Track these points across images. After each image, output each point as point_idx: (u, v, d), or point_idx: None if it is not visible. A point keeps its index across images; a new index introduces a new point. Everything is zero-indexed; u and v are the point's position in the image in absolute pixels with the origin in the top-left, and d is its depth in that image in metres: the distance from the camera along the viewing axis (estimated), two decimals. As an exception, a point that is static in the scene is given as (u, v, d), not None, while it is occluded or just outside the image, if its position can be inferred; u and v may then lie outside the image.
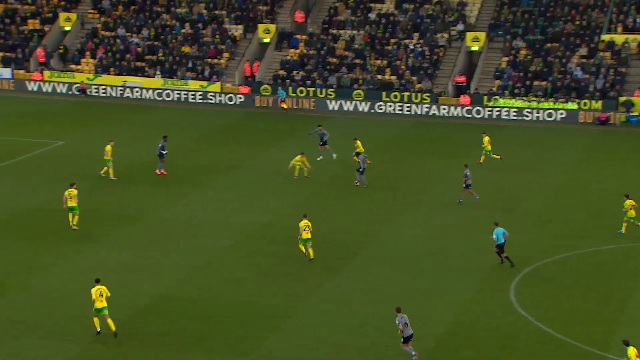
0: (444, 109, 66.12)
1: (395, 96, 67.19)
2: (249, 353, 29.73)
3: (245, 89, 69.58)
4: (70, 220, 40.17)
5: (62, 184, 45.77)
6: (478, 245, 39.14)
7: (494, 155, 51.64)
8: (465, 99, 66.67)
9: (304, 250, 37.21)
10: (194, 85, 69.67)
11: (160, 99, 69.24)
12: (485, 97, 66.48)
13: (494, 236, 36.69)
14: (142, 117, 63.56)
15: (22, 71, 72.10)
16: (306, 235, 36.74)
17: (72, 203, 39.76)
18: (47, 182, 47.10)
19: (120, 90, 69.80)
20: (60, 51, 72.86)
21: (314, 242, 37.18)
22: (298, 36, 73.51)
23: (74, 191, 40.00)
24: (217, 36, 73.49)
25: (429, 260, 37.85)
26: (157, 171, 48.46)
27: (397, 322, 28.82)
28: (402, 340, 28.87)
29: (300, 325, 31.79)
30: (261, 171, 50.57)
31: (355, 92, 67.91)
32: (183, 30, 74.23)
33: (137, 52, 72.89)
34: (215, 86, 69.66)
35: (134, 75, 71.21)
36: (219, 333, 30.98)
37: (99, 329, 30.39)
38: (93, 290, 30.30)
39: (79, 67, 72.60)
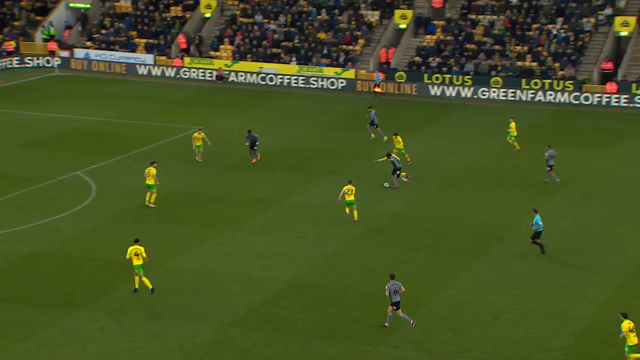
0: (588, 97, 63.98)
1: (536, 83, 65.42)
2: (380, 343, 29.55)
3: (382, 75, 69.10)
4: (147, 198, 41.06)
5: (199, 169, 46.67)
6: (622, 238, 37.70)
7: (514, 143, 50.77)
8: (611, 86, 64.28)
9: (347, 212, 39.44)
10: (329, 71, 69.78)
11: (295, 85, 69.65)
12: (634, 85, 63.91)
13: (538, 223, 35.85)
14: (276, 103, 64.08)
15: (163, 58, 73.87)
16: (349, 197, 39.11)
17: (150, 181, 40.66)
18: (186, 166, 48.03)
19: (258, 76, 70.63)
20: (196, 42, 74.24)
21: (459, 234, 36.55)
22: (435, 22, 72.53)
23: (153, 170, 40.85)
24: (353, 22, 73.35)
25: (569, 253, 36.69)
26: (253, 160, 48.68)
27: (386, 287, 30.00)
28: (391, 304, 30.07)
29: (432, 316, 31.38)
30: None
31: (493, 79, 66.51)
32: (319, 17, 74.43)
33: (274, 38, 73.56)
34: (350, 73, 69.58)
35: (269, 62, 71.89)
36: (351, 321, 30.89)
37: (136, 287, 32.55)
38: (129, 249, 32.23)
39: (217, 53, 73.85)
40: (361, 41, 72.25)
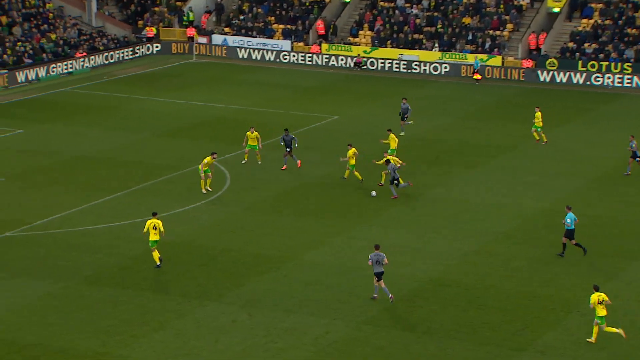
0: None
1: None
2: (525, 348, 27.92)
3: (529, 63, 66.42)
4: (203, 185, 40.67)
5: (335, 159, 45.65)
6: None
7: (541, 134, 48.09)
8: None
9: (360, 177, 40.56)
10: (473, 58, 67.53)
11: (437, 72, 67.84)
12: None
13: (568, 220, 33.62)
14: (416, 91, 62.53)
15: (301, 44, 73.31)
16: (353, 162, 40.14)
17: (206, 167, 40.40)
18: (321, 157, 47.19)
19: (397, 64, 69.14)
20: (331, 30, 73.29)
21: (612, 234, 34.32)
22: (593, 5, 69.05)
23: (210, 160, 40.37)
24: (502, 6, 70.76)
25: None
26: (284, 166, 44.73)
27: (369, 257, 30.37)
28: (374, 276, 30.43)
29: (582, 321, 29.41)
30: (540, 152, 47.95)
31: (656, 66, 62.91)
32: (465, 0, 72.11)
33: (416, 24, 71.82)
34: (496, 60, 67.10)
35: (410, 48, 70.27)
36: (492, 324, 29.34)
37: (158, 263, 32.78)
38: (147, 223, 32.63)
39: (356, 39, 72.70)
40: (509, 26, 69.60)
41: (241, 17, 76.50)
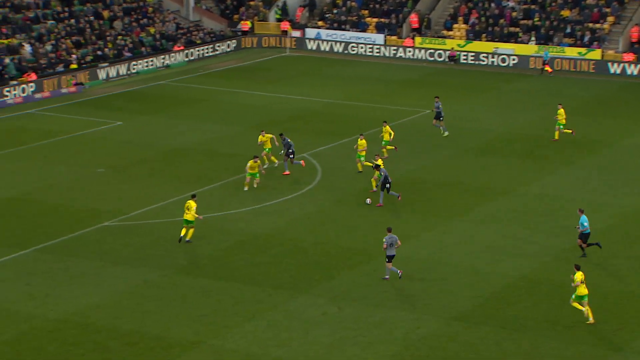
0: None
1: None
2: (621, 348, 27.36)
3: (630, 56, 64.73)
4: (247, 183, 40.95)
5: (427, 154, 45.41)
6: None
7: (566, 130, 46.65)
8: None
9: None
10: (571, 52, 66.21)
11: (532, 67, 66.76)
12: None
13: (584, 224, 33.10)
14: (511, 86, 61.68)
15: (394, 37, 73.05)
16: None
17: (252, 171, 40.75)
18: (412, 151, 46.98)
19: (492, 58, 68.29)
20: (425, 24, 72.76)
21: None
22: (699, -5, 67.15)
23: (253, 163, 40.12)
24: (603, -2, 69.32)
25: None
26: (286, 172, 43.25)
27: (384, 240, 31.46)
28: (386, 259, 31.67)
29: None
30: (638, 150, 46.82)
31: None
32: (565, -8, 70.87)
33: (512, 16, 70.79)
34: (595, 53, 65.66)
35: (506, 41, 69.32)
36: (587, 322, 28.75)
37: (187, 238, 34.70)
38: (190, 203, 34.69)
39: (450, 33, 72.07)
40: (610, 19, 68.00)
41: (334, 10, 76.65)
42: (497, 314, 29.53)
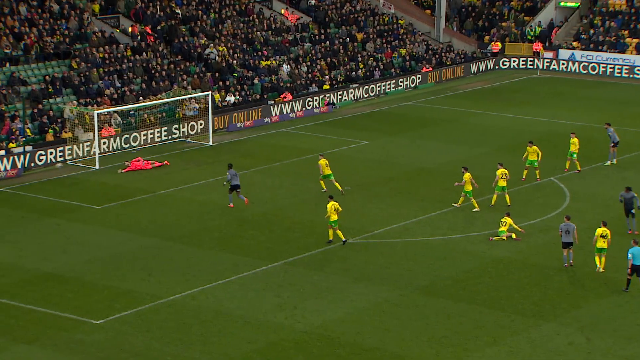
0: None
1: None
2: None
3: None
4: (323, 185, 42.72)
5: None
6: None
7: (576, 161, 44.10)
8: None
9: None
10: None
11: None
12: None
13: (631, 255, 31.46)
14: None
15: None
16: (502, 183, 40.50)
17: (328, 171, 42.34)
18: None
19: None
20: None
21: None
22: None
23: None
24: None
25: None
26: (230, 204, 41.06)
27: (560, 227, 33.66)
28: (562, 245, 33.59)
29: None
30: None
31: None
32: None
33: None
34: None
35: None
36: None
37: (330, 239, 36.80)
38: (328, 206, 36.44)
39: None
40: None
41: (591, 31, 74.14)
42: None
